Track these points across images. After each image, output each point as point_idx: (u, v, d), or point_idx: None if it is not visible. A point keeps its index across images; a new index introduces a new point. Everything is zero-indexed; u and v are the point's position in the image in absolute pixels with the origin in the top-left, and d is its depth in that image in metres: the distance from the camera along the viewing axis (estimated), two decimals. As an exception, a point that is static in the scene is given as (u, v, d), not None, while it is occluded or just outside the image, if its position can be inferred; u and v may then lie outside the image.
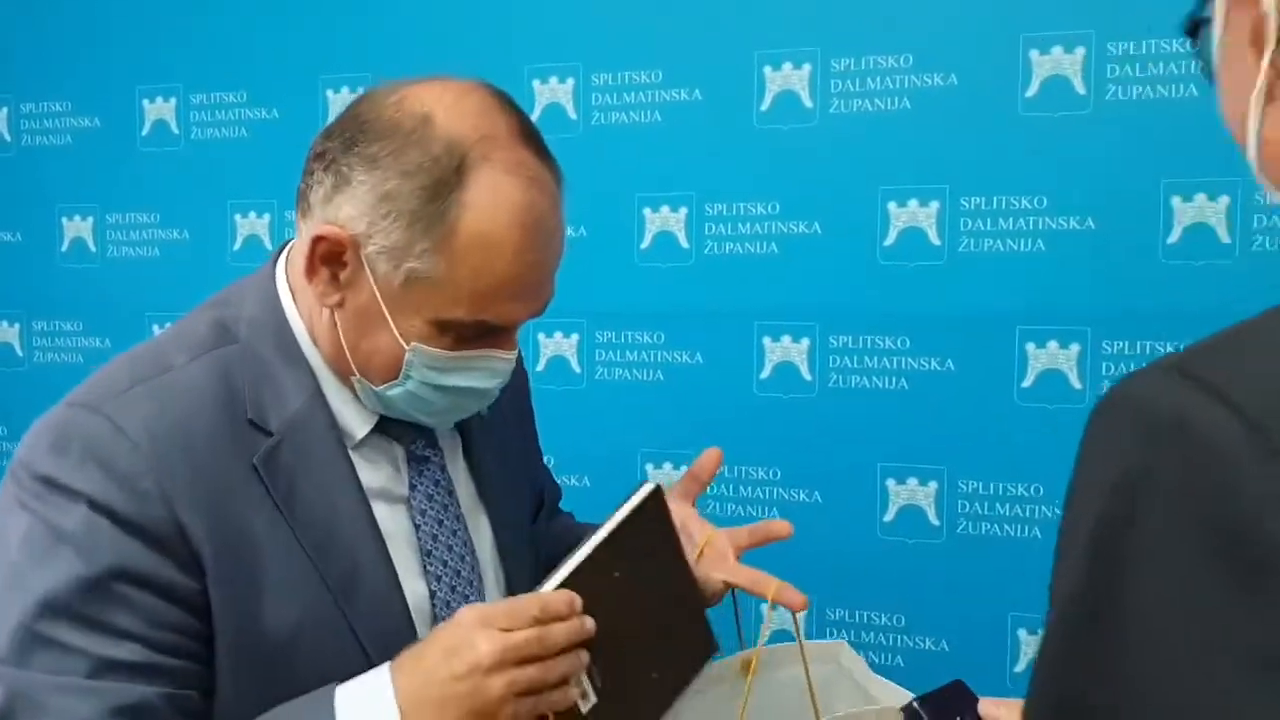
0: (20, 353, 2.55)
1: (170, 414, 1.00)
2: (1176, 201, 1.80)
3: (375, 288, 1.03)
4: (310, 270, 1.06)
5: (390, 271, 1.02)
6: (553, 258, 1.08)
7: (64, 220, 2.52)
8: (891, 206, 1.91)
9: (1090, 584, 0.50)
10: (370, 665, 1.01)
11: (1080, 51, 1.83)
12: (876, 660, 1.89)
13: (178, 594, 0.97)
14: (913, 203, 1.90)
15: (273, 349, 1.08)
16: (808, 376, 1.96)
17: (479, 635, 0.94)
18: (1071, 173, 1.84)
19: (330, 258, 1.04)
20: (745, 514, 1.99)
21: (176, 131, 2.41)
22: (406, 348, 1.04)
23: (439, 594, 1.11)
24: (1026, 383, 1.86)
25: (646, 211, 2.05)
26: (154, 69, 2.41)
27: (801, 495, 1.97)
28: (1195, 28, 0.66)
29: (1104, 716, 0.48)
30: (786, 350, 1.97)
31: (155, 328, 2.43)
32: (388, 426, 1.12)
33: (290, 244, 1.15)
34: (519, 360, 1.33)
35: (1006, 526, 1.88)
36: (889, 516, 1.92)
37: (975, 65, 1.87)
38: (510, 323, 1.07)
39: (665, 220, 2.04)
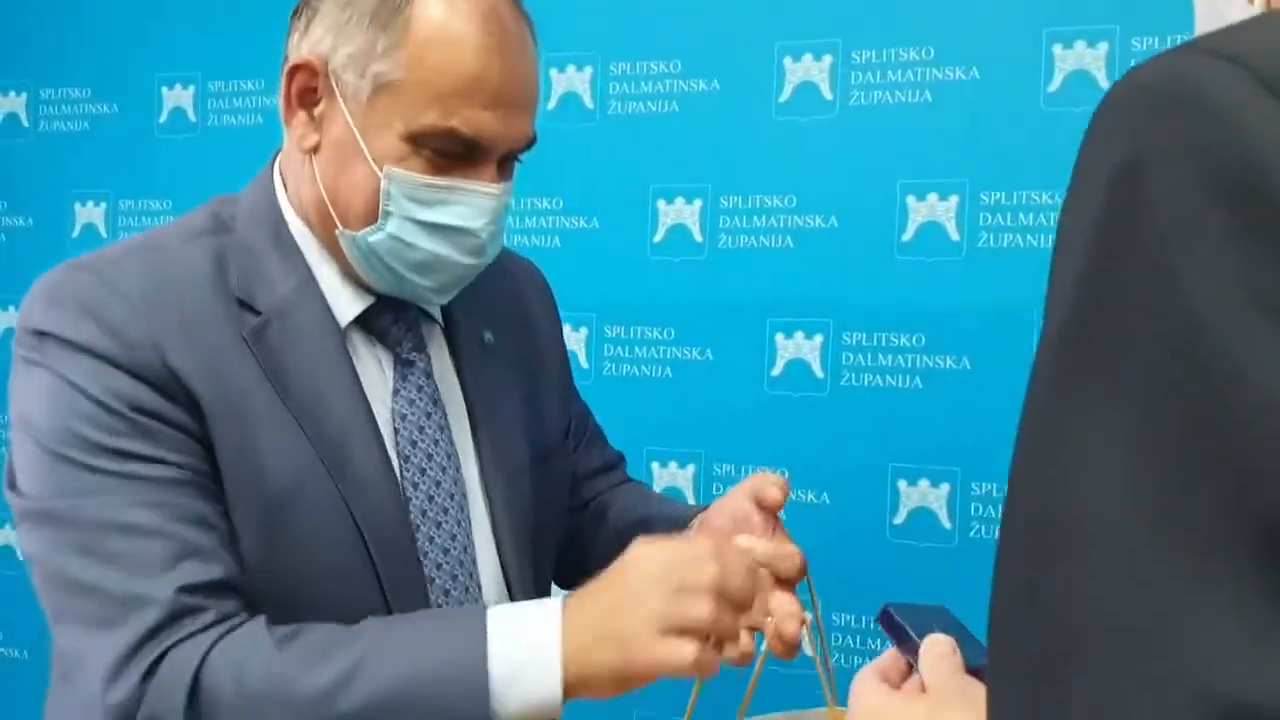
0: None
1: (160, 277, 1.03)
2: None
3: (345, 109, 1.04)
4: (289, 112, 1.08)
5: (357, 83, 1.03)
6: (520, 70, 1.07)
7: (76, 206, 2.50)
8: (910, 200, 1.87)
9: (1099, 260, 0.47)
10: (362, 537, 1.04)
11: (1104, 47, 1.79)
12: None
13: (189, 430, 1.00)
14: (932, 197, 1.86)
15: (265, 239, 1.09)
16: (820, 374, 1.93)
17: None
18: (1094, 170, 1.80)
19: (305, 95, 1.07)
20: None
21: (194, 119, 2.40)
22: (381, 174, 1.03)
23: (415, 500, 1.10)
24: (1043, 384, 1.81)
25: (660, 204, 2.02)
26: (173, 56, 2.40)
27: (810, 496, 1.93)
28: None
29: (1126, 369, 0.45)
30: (799, 347, 1.93)
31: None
32: (373, 322, 1.12)
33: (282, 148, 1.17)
34: (546, 293, 1.36)
35: (1021, 531, 1.83)
36: (899, 519, 1.88)
37: (997, 58, 1.83)
38: (482, 135, 1.04)
39: (679, 213, 2.01)
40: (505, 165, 1.10)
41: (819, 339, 1.92)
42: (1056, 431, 0.48)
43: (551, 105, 2.08)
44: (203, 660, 0.93)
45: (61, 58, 2.50)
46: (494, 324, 1.23)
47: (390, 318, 1.13)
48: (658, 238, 2.02)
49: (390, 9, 1.02)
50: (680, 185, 2.01)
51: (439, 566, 1.11)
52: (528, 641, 0.94)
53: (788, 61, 1.93)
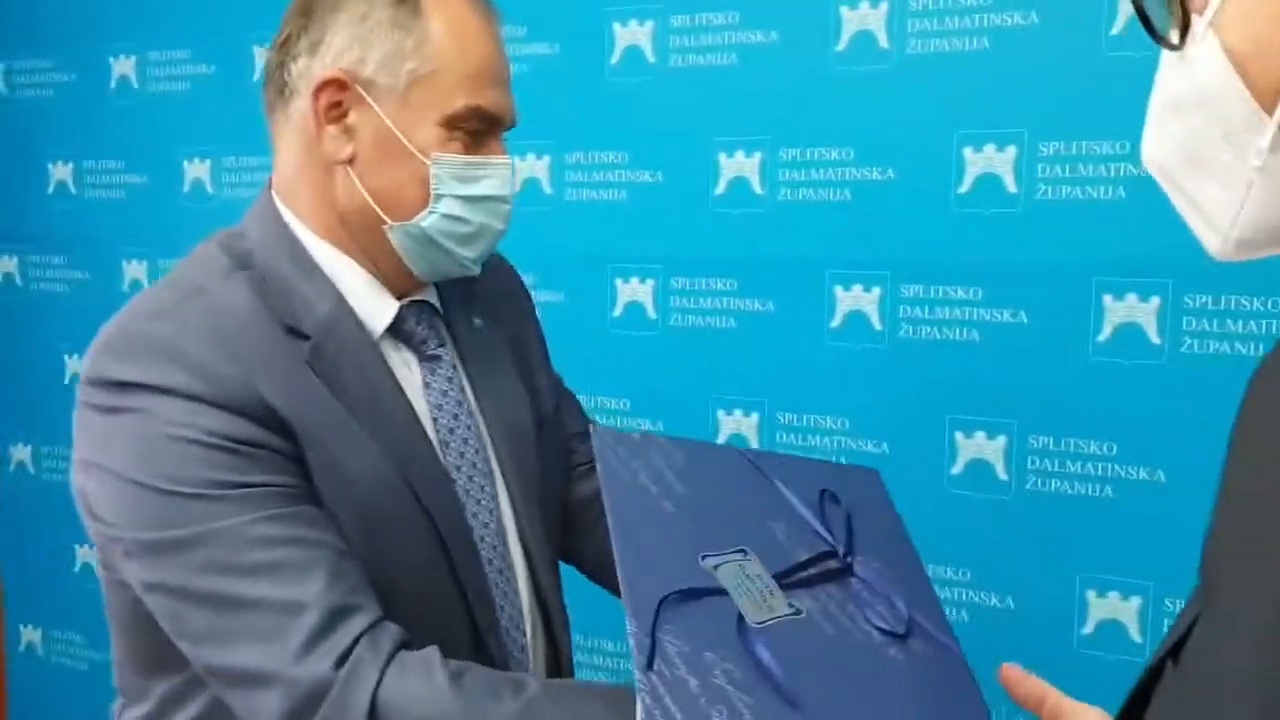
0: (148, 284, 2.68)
1: (223, 319, 1.09)
2: (1270, 147, 1.70)
3: (382, 112, 1.14)
4: (318, 129, 1.15)
5: (392, 83, 1.13)
6: (505, 51, 1.21)
7: (185, 163, 2.63)
8: (968, 152, 1.85)
9: None
10: (434, 528, 1.14)
11: (1171, -13, 1.73)
12: (940, 614, 1.86)
13: (282, 451, 1.06)
14: (989, 148, 1.83)
15: (289, 265, 1.15)
16: (878, 326, 1.93)
17: None
18: (1158, 116, 1.75)
19: (332, 109, 1.14)
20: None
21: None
22: (428, 160, 1.14)
23: (459, 481, 1.20)
24: (1102, 337, 1.79)
25: (721, 156, 2.03)
26: (264, 17, 2.46)
27: (869, 446, 1.94)
28: None
29: None
30: (858, 299, 1.94)
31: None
32: (400, 327, 1.21)
33: (270, 178, 1.23)
34: (514, 276, 1.44)
35: (1077, 484, 1.82)
36: (957, 469, 1.89)
37: (1060, 2, 1.79)
38: (499, 109, 1.17)
39: (740, 166, 2.01)
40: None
41: (877, 291, 1.92)
42: None
43: (614, 59, 2.10)
44: (380, 678, 0.99)
45: (164, 21, 2.61)
46: (480, 311, 1.32)
47: (414, 320, 1.22)
48: (719, 190, 2.04)
49: (406, 13, 1.13)
50: (741, 138, 2.02)
51: (481, 540, 1.21)
52: None
53: (844, 10, 1.91)
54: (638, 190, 2.11)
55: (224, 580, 1.01)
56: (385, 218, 1.16)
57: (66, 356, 2.80)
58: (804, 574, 0.99)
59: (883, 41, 1.89)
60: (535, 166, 2.19)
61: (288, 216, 1.18)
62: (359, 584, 1.05)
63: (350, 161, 1.15)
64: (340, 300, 1.16)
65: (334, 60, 1.14)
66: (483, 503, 1.22)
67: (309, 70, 1.15)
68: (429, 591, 1.14)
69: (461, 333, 1.29)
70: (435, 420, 1.20)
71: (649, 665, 0.84)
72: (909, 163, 1.89)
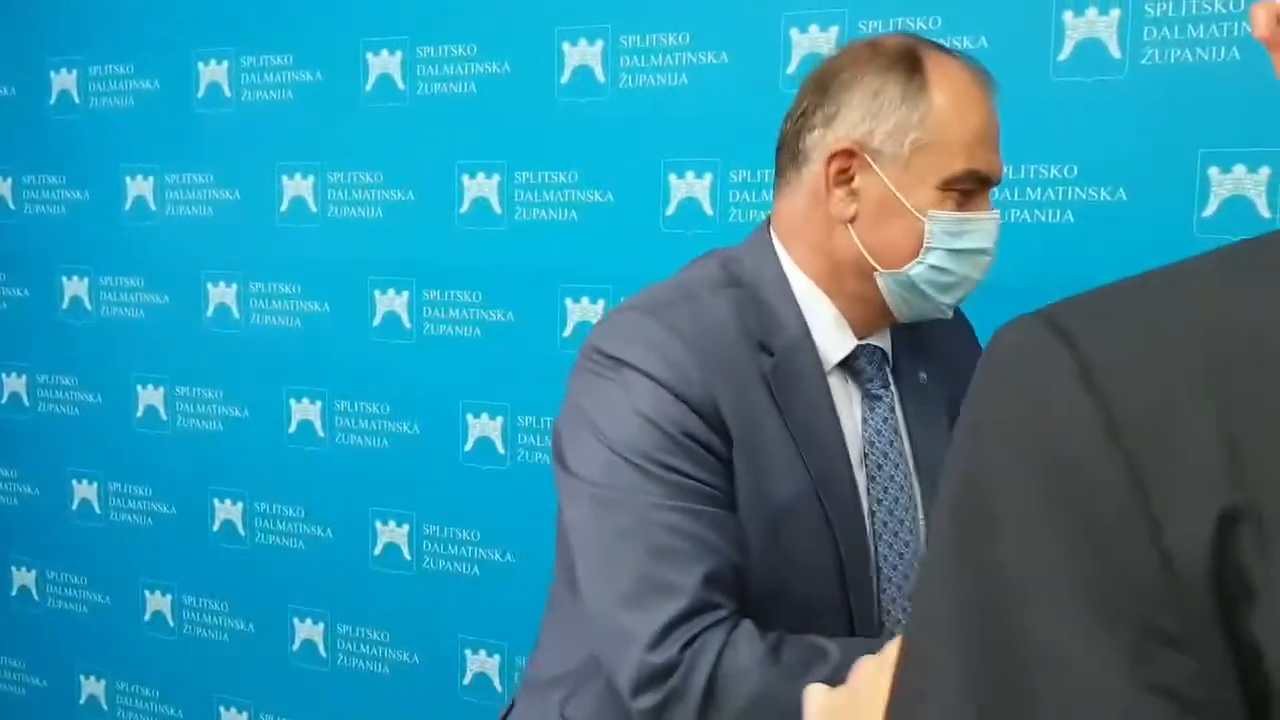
0: (89, 307, 2.65)
1: (704, 324, 1.23)
2: (1214, 173, 1.73)
3: (885, 177, 1.25)
4: (827, 192, 1.27)
5: (897, 151, 1.24)
6: (998, 114, 1.31)
7: (127, 180, 2.59)
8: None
9: (954, 528, 0.52)
10: (836, 546, 1.24)
11: (1115, 13, 1.75)
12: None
13: (718, 454, 1.19)
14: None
15: (771, 292, 1.29)
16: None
17: None
18: (1103, 141, 1.77)
19: (841, 175, 1.26)
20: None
21: (229, 94, 2.45)
22: (924, 218, 1.24)
23: (878, 514, 1.30)
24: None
25: (671, 177, 2.03)
26: (208, 33, 2.46)
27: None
28: None
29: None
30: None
31: (209, 285, 2.49)
32: (852, 363, 1.32)
33: (769, 217, 1.36)
34: (973, 340, 1.50)
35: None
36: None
37: (1006, 27, 1.81)
38: (991, 171, 1.28)
39: (690, 187, 2.02)
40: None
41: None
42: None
43: (565, 79, 2.10)
44: (718, 657, 1.13)
45: (106, 35, 2.58)
46: (928, 364, 1.41)
47: (866, 359, 1.33)
48: (669, 211, 2.04)
49: (914, 88, 1.24)
50: (691, 160, 2.03)
51: (895, 568, 1.30)
52: None
53: (794, 33, 1.92)
54: (589, 210, 2.10)
55: (624, 545, 1.17)
56: (877, 266, 1.27)
57: (4, 375, 2.76)
58: None
59: (833, 64, 1.89)
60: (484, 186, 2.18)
61: (780, 252, 1.31)
62: (731, 588, 1.17)
63: (852, 219, 1.26)
64: (804, 330, 1.28)
65: (847, 132, 1.25)
66: (900, 536, 1.31)
67: (823, 140, 1.27)
68: (814, 599, 1.25)
69: (905, 380, 1.38)
70: (867, 455, 1.30)
71: None
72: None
